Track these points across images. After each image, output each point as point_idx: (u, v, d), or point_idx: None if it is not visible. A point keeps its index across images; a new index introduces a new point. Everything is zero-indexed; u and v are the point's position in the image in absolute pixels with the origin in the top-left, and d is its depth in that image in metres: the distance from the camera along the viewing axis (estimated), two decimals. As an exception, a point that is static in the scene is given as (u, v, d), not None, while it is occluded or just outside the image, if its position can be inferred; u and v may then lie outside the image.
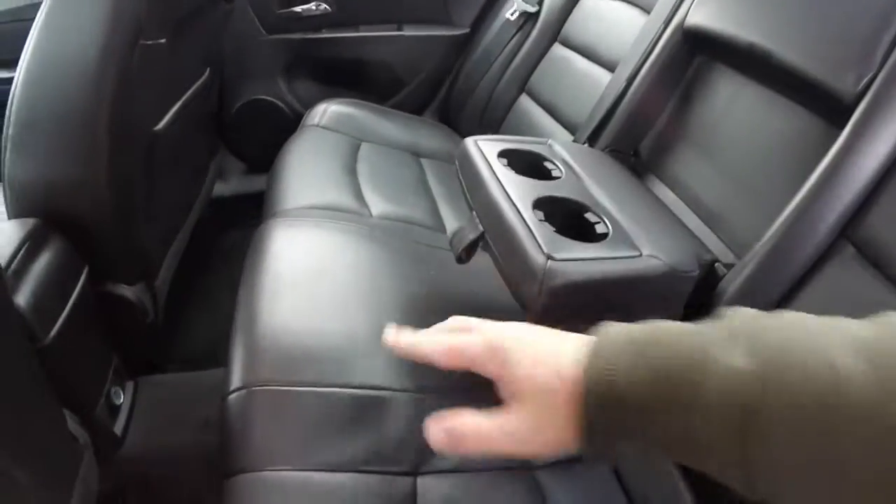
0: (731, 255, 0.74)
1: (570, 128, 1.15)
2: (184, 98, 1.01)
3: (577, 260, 0.58)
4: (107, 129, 0.73)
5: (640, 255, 0.62)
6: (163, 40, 0.80)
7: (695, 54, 0.93)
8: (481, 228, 0.72)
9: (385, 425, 0.65)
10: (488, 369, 0.35)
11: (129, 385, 0.92)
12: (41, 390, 0.59)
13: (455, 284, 0.90)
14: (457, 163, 0.80)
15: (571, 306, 0.57)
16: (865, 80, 0.63)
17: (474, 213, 0.75)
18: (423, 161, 1.36)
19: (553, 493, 0.67)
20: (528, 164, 0.77)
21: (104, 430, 0.81)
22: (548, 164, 0.77)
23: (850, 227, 0.62)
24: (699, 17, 0.89)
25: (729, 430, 0.28)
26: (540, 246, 0.58)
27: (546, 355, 0.34)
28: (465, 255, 0.75)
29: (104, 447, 0.81)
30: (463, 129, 1.54)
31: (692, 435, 0.30)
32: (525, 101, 1.36)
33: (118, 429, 0.86)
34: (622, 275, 0.60)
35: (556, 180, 0.74)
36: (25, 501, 0.54)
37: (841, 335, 0.29)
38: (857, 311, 0.52)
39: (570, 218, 0.67)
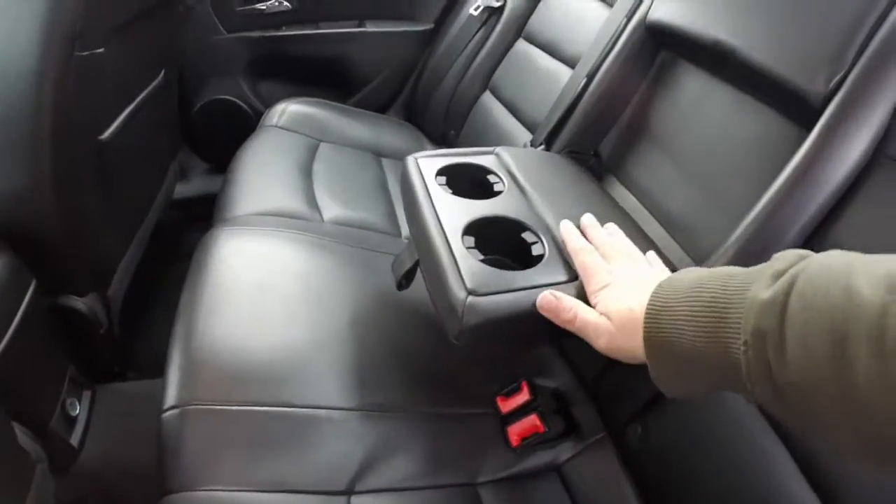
0: (691, 263, 0.72)
1: (531, 126, 1.15)
2: (133, 104, 0.99)
3: (498, 293, 0.56)
4: (48, 141, 0.72)
5: (570, 280, 0.60)
6: (101, 50, 0.79)
7: (659, 50, 0.90)
8: (416, 256, 0.71)
9: (322, 444, 0.65)
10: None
11: (87, 394, 0.91)
12: None
13: (403, 295, 0.90)
14: (400, 182, 0.80)
15: (492, 339, 0.58)
16: (836, 80, 0.60)
17: (410, 240, 0.74)
18: (385, 161, 1.36)
19: None
20: (471, 180, 0.76)
21: (60, 442, 0.81)
22: (491, 178, 0.76)
23: (816, 236, 0.60)
24: (662, 11, 0.87)
25: (757, 356, 0.33)
26: (462, 280, 0.57)
27: (630, 294, 0.48)
28: (405, 282, 0.76)
29: (61, 459, 0.81)
30: (427, 126, 1.54)
31: (729, 361, 0.35)
32: (488, 99, 1.36)
33: (75, 440, 0.85)
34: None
35: (498, 196, 0.72)
36: None
37: (867, 266, 0.31)
38: None
39: (507, 238, 0.67)
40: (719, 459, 0.60)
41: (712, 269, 0.42)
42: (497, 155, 0.82)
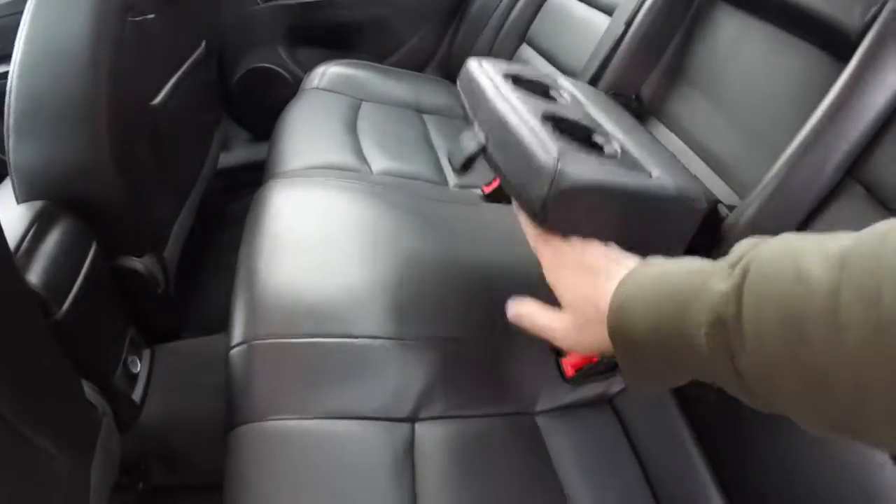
0: (735, 198, 0.73)
1: (572, 75, 1.13)
2: (180, 72, 1.02)
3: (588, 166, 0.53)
4: (105, 108, 0.74)
5: (651, 176, 0.58)
6: (151, 15, 0.80)
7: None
8: (483, 140, 0.68)
9: (383, 373, 0.67)
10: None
11: (147, 354, 0.95)
12: (57, 362, 0.62)
13: (456, 238, 0.91)
14: (458, 83, 0.77)
15: (579, 211, 0.53)
16: (871, 12, 0.60)
17: (476, 125, 0.70)
18: (426, 117, 1.36)
19: (551, 435, 0.69)
20: (533, 89, 0.74)
21: (123, 398, 0.85)
22: (553, 93, 0.75)
23: (857, 166, 0.60)
24: None
25: (718, 346, 0.33)
26: (549, 149, 0.52)
27: (589, 289, 0.46)
28: (463, 168, 0.73)
29: (124, 415, 0.85)
30: (465, 83, 1.53)
31: (694, 353, 0.35)
32: (526, 51, 1.34)
33: (137, 396, 0.89)
34: (633, 188, 0.55)
35: (562, 105, 0.70)
36: (49, 467, 0.58)
37: (820, 246, 0.31)
38: None
39: (577, 139, 0.62)
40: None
41: (674, 262, 0.41)
42: (554, 79, 0.81)
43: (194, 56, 1.12)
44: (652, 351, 0.39)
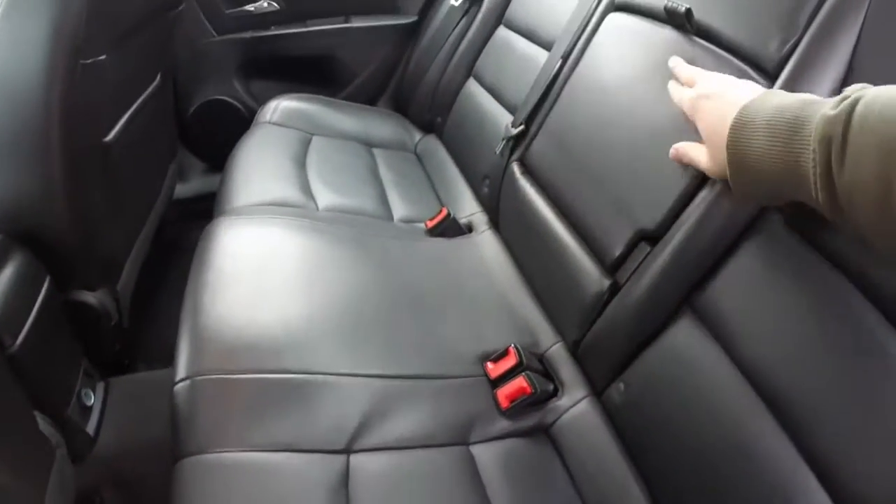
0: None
1: (513, 109, 1.18)
2: (134, 107, 1.04)
3: None
4: (57, 147, 0.77)
5: None
6: (103, 57, 0.83)
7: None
8: None
9: (319, 407, 0.70)
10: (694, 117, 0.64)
11: (100, 386, 0.96)
12: (10, 395, 0.64)
13: (397, 273, 0.95)
14: None
15: None
16: (789, 44, 0.64)
17: None
18: (375, 150, 1.42)
19: (487, 465, 0.72)
20: None
21: (77, 430, 0.86)
22: None
23: None
24: None
25: (822, 162, 0.43)
26: None
27: (716, 118, 0.58)
28: None
29: (78, 447, 0.86)
30: (414, 115, 1.59)
31: (800, 170, 0.45)
32: (472, 85, 1.40)
33: (90, 428, 0.90)
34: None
35: None
36: (4, 499, 0.59)
37: None
38: (787, 280, 0.57)
39: None
40: (696, 412, 0.65)
41: (795, 95, 0.50)
42: None
43: (149, 90, 1.15)
44: (762, 169, 0.49)
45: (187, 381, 0.70)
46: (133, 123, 1.03)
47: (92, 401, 0.92)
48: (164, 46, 1.28)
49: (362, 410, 0.71)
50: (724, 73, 0.69)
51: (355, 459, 0.67)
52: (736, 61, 0.70)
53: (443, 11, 1.53)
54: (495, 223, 1.14)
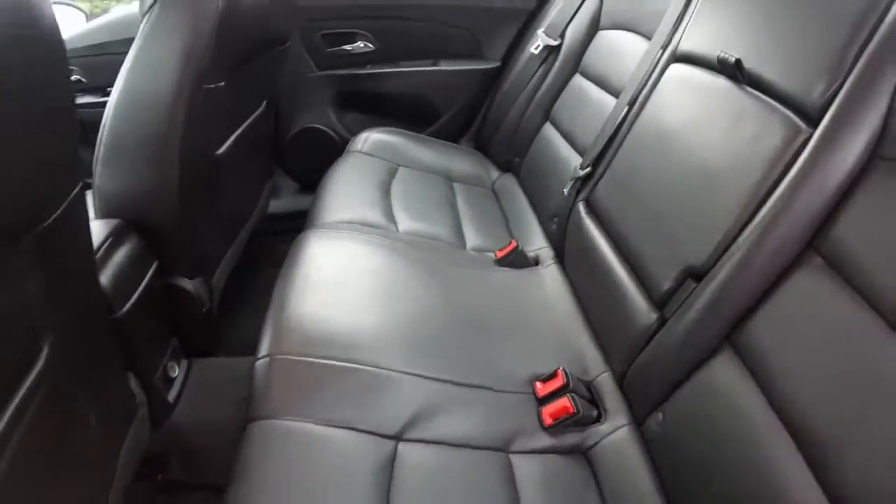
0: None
1: (583, 153, 1.24)
2: (242, 127, 1.19)
3: None
4: (177, 153, 0.90)
5: None
6: (222, 83, 0.97)
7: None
8: None
9: (379, 396, 0.77)
10: None
11: (184, 363, 1.08)
12: (110, 349, 0.75)
13: (461, 296, 1.02)
14: None
15: None
16: (832, 89, 0.67)
17: None
18: (455, 184, 1.51)
19: (523, 475, 0.77)
20: None
21: (159, 395, 0.97)
22: None
23: (818, 238, 0.66)
24: (691, 42, 0.98)
25: None
26: None
27: None
28: None
29: (158, 411, 0.97)
30: (494, 154, 1.68)
31: None
32: (548, 129, 1.48)
33: (171, 397, 1.01)
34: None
35: None
36: (88, 436, 0.69)
37: None
38: (824, 322, 0.59)
39: None
40: (728, 450, 0.67)
41: None
42: None
43: (256, 113, 1.30)
44: None
45: (267, 359, 0.80)
46: (240, 142, 1.17)
47: (176, 374, 1.04)
48: (271, 77, 1.44)
49: (416, 406, 0.78)
50: (772, 119, 0.73)
51: (403, 447, 0.74)
52: (782, 108, 0.74)
53: (524, 58, 1.63)
54: (560, 258, 1.20)
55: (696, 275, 0.78)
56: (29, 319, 0.53)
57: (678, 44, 1.02)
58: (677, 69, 1.00)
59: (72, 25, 1.71)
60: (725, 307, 0.72)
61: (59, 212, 0.51)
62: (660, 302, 0.83)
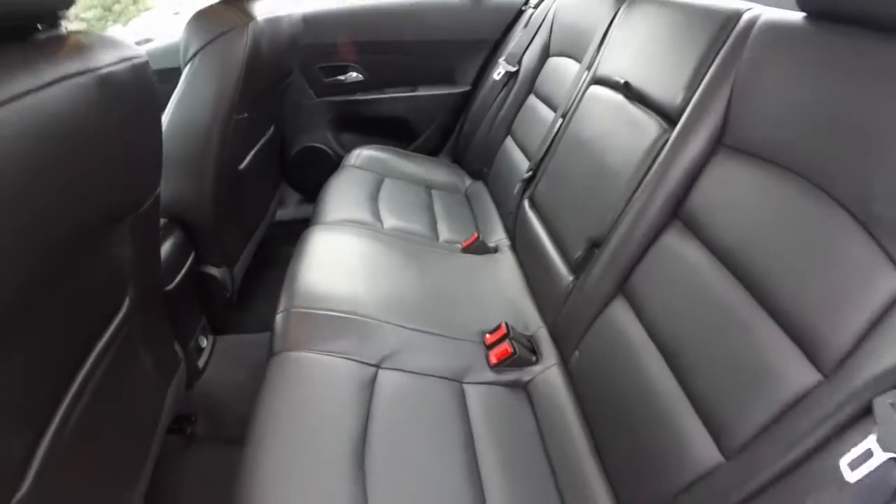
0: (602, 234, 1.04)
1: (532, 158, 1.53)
2: (257, 147, 1.48)
3: None
4: (212, 169, 1.18)
5: None
6: (246, 115, 1.26)
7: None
8: None
9: (367, 337, 1.03)
10: None
11: (211, 338, 1.35)
12: (163, 315, 1.02)
13: (431, 274, 1.30)
14: None
15: None
16: (687, 98, 0.94)
17: None
18: (433, 192, 1.79)
19: (473, 399, 1.01)
20: None
21: (192, 360, 1.23)
22: None
23: (679, 207, 0.91)
24: (603, 68, 1.28)
25: None
26: None
27: None
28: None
29: (191, 373, 1.23)
30: (467, 165, 1.97)
31: None
32: (508, 142, 1.76)
33: (201, 363, 1.28)
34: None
35: None
36: (147, 377, 0.95)
37: None
38: (682, 268, 0.86)
39: None
40: (622, 371, 0.91)
41: None
42: None
43: (267, 136, 1.59)
44: None
45: (284, 311, 1.07)
46: (255, 158, 1.46)
47: (205, 344, 1.31)
48: (278, 105, 1.73)
49: (393, 345, 1.04)
50: (648, 123, 1.02)
51: (382, 373, 0.99)
52: (654, 115, 1.04)
53: (489, 83, 1.92)
54: (514, 246, 1.48)
55: (597, 244, 1.05)
56: (121, 276, 0.81)
57: (596, 69, 1.31)
58: (595, 89, 1.29)
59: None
60: (617, 265, 0.98)
61: (148, 202, 0.79)
62: (575, 267, 1.11)
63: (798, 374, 0.65)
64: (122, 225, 0.76)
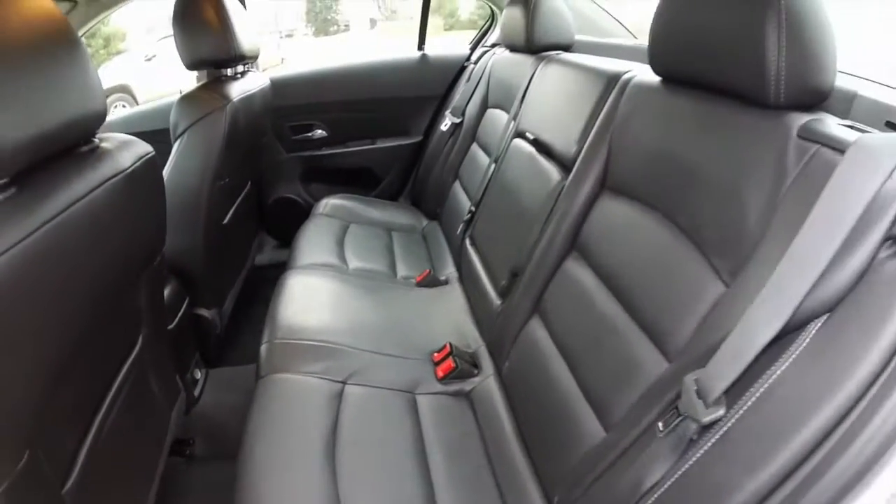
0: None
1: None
2: (237, 201, 1.72)
3: None
4: (201, 226, 1.41)
5: None
6: (227, 179, 1.51)
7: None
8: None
9: (336, 360, 1.24)
10: None
11: (204, 371, 1.57)
12: (166, 353, 1.23)
13: (389, 306, 1.54)
14: None
15: None
16: (578, 149, 1.18)
17: None
18: (394, 233, 2.03)
19: (423, 407, 1.20)
20: None
21: (189, 389, 1.44)
22: None
23: (575, 240, 1.12)
24: (522, 122, 1.55)
25: None
26: None
27: None
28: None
29: (189, 400, 1.42)
30: (424, 207, 2.23)
31: None
32: (456, 186, 2.02)
33: (196, 392, 1.49)
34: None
35: None
36: (155, 402, 1.15)
37: None
38: (578, 289, 1.12)
39: None
40: (537, 374, 1.11)
41: None
42: None
43: (245, 192, 1.83)
44: None
45: (268, 343, 1.29)
46: (236, 213, 1.70)
47: (199, 376, 1.52)
48: (255, 163, 1.98)
49: (357, 365, 1.26)
50: (551, 172, 1.29)
51: (348, 387, 1.21)
52: (555, 165, 1.30)
53: (438, 134, 2.20)
54: (461, 278, 1.72)
55: (517, 273, 1.29)
56: (138, 318, 1.03)
57: (519, 121, 1.58)
58: (516, 141, 1.56)
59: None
60: (533, 290, 1.21)
61: (160, 254, 1.03)
62: (502, 293, 1.35)
63: (654, 364, 0.83)
64: (140, 278, 0.99)
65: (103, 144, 0.88)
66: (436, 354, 1.36)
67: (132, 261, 0.93)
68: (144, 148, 0.95)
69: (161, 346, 1.18)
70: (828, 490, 0.50)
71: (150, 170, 0.94)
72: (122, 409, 0.95)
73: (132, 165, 0.88)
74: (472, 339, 1.46)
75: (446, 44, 2.45)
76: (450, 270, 1.80)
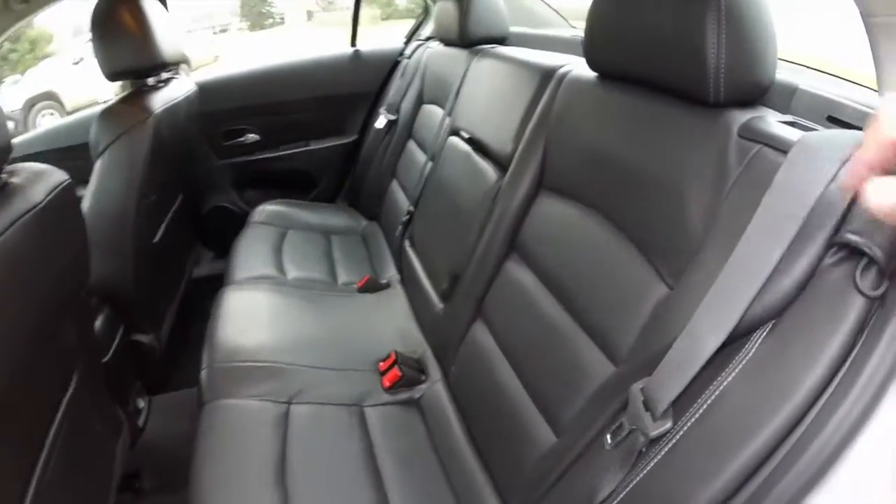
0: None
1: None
2: (167, 219, 1.66)
3: None
4: (129, 248, 1.36)
5: None
6: (154, 197, 1.45)
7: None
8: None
9: (278, 379, 1.22)
10: None
11: (147, 398, 1.52)
12: (104, 386, 1.19)
13: (330, 316, 1.52)
14: None
15: None
16: (514, 149, 1.18)
17: None
18: (332, 237, 2.01)
19: (373, 420, 1.19)
20: None
21: (133, 420, 1.40)
22: None
23: (514, 240, 1.12)
24: (456, 121, 1.55)
25: None
26: None
27: None
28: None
29: (132, 432, 1.37)
30: (362, 208, 2.21)
31: None
32: (394, 185, 2.01)
33: (140, 422, 1.44)
34: None
35: None
36: (99, 438, 1.11)
37: None
38: (519, 291, 1.13)
39: None
40: (484, 376, 1.11)
41: None
42: None
43: (176, 205, 1.77)
44: None
45: (207, 368, 1.26)
46: (167, 229, 1.64)
47: (142, 406, 1.48)
48: (185, 173, 1.91)
49: (301, 383, 1.24)
50: (487, 171, 1.29)
51: (294, 407, 1.19)
52: (492, 164, 1.30)
53: (373, 131, 2.16)
54: (403, 280, 1.72)
55: (457, 275, 1.30)
56: (69, 356, 0.99)
57: (453, 120, 1.58)
58: (452, 139, 1.57)
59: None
60: (474, 293, 1.21)
61: (85, 287, 0.99)
62: (444, 296, 1.36)
63: (600, 368, 0.82)
64: (65, 316, 0.96)
65: (12, 179, 0.84)
66: (381, 364, 1.35)
67: (53, 300, 0.89)
68: (59, 177, 0.91)
69: (98, 381, 1.15)
70: (783, 496, 0.50)
71: (66, 200, 0.90)
72: (64, 454, 0.92)
73: (45, 199, 0.84)
74: (417, 343, 1.45)
75: (383, 34, 2.41)
76: (391, 273, 1.79)
